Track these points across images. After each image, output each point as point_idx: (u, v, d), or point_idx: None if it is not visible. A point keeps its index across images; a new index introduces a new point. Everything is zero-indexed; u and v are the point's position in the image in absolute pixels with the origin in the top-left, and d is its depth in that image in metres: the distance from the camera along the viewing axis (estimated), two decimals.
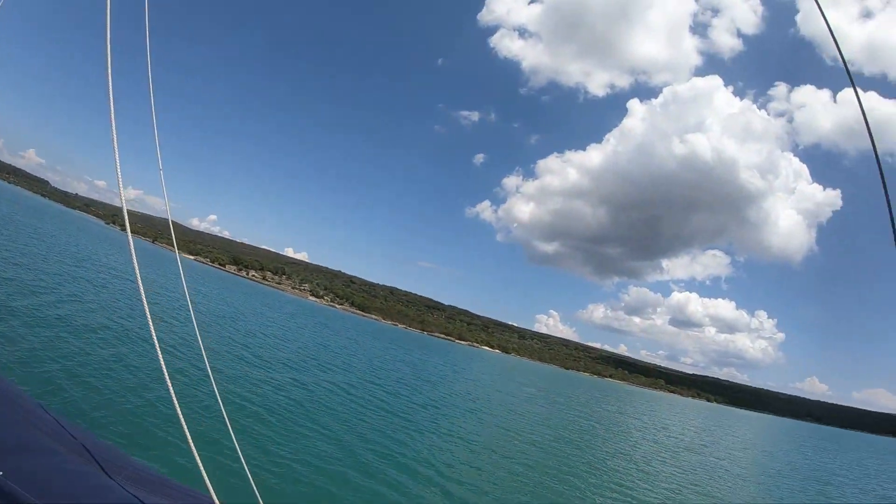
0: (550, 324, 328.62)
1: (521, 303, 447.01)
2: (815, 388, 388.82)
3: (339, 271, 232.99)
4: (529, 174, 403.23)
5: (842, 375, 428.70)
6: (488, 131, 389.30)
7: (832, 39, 2.16)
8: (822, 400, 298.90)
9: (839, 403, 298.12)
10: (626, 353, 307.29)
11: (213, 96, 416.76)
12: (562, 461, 18.46)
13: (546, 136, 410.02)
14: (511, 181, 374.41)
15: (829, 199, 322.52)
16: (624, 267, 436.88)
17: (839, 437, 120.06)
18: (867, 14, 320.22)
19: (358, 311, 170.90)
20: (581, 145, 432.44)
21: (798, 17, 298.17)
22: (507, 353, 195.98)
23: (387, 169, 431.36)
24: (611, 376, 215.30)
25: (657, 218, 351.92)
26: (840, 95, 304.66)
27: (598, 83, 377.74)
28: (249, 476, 3.53)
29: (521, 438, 20.95)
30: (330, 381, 21.32)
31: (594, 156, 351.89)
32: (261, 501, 3.20)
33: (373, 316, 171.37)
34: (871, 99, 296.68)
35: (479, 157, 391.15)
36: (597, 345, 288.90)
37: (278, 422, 12.53)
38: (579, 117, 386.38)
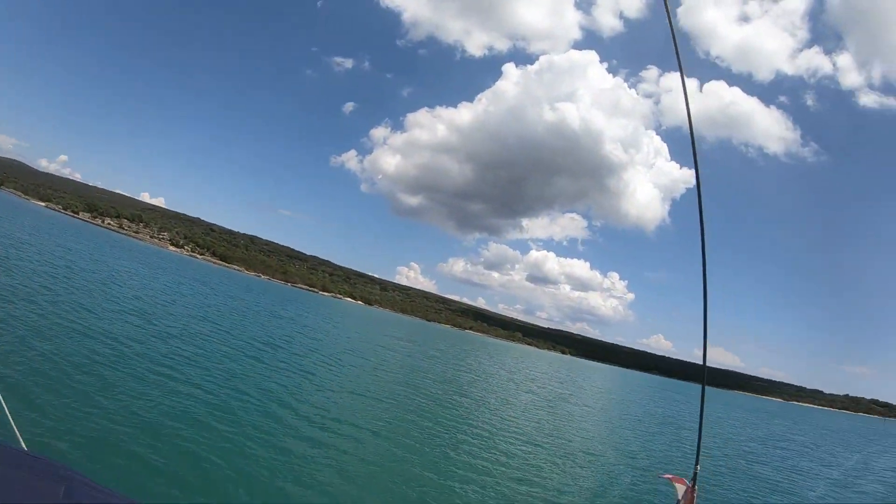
0: (411, 276, 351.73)
1: (383, 254, 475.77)
2: (660, 344, 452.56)
3: (198, 218, 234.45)
4: (398, 127, 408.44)
5: (684, 334, 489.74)
6: (361, 80, 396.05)
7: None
8: (667, 355, 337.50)
9: (682, 359, 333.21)
10: (485, 307, 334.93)
11: (63, 24, 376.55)
12: (464, 413, 21.28)
13: (419, 91, 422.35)
14: (379, 132, 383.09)
15: (684, 176, 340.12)
16: (486, 223, 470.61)
17: (684, 388, 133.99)
18: (744, 19, 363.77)
19: (220, 262, 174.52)
20: (453, 102, 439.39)
21: (680, 10, 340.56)
22: (369, 304, 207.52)
23: (250, 111, 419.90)
24: (471, 328, 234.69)
25: (522, 179, 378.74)
26: (706, 86, 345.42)
27: (476, 43, 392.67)
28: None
29: (421, 394, 23.43)
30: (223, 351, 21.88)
31: (465, 114, 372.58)
32: None
33: (235, 267, 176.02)
34: (736, 94, 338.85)
35: (349, 106, 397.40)
36: (456, 297, 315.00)
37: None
38: (454, 75, 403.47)
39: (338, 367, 26.11)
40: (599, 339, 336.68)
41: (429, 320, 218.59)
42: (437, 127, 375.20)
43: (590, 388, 59.37)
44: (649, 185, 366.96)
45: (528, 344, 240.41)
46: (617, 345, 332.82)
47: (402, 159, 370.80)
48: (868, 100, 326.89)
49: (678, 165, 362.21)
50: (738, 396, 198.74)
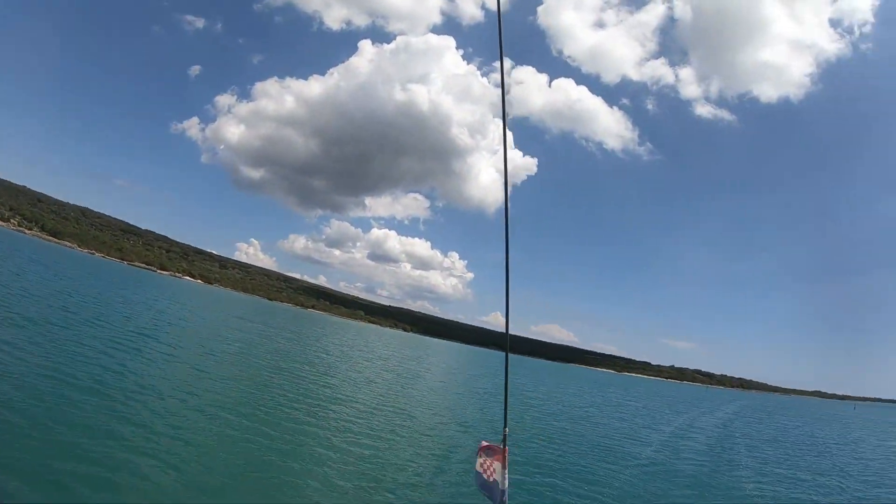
0: (251, 252, 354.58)
1: (222, 230, 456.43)
2: (499, 321, 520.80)
3: (25, 187, 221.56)
4: (245, 95, 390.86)
5: (523, 312, 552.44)
6: (211, 43, 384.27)
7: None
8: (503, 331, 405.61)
9: (520, 335, 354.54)
10: (326, 285, 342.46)
11: None
12: (330, 392, 23.44)
13: (270, 59, 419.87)
14: (225, 100, 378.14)
15: (526, 164, 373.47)
16: (329, 200, 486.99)
17: (523, 363, 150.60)
18: (600, 25, 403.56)
19: (50, 238, 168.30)
20: (304, 74, 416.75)
21: (540, 9, 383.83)
22: (209, 283, 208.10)
23: (84, 66, 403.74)
24: (313, 307, 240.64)
25: (368, 157, 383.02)
26: (556, 82, 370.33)
27: (335, 16, 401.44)
28: None
29: (295, 378, 25.44)
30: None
31: (315, 87, 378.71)
32: None
33: (67, 243, 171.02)
34: (583, 92, 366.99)
35: (196, 70, 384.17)
36: (297, 275, 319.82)
37: None
38: (308, 46, 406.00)
39: (207, 354, 26.70)
40: (440, 316, 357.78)
41: (271, 299, 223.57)
42: (285, 98, 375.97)
43: (438, 364, 63.87)
44: (492, 169, 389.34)
45: (371, 322, 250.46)
46: (457, 322, 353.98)
47: (246, 130, 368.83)
48: (703, 110, 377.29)
49: (521, 153, 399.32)
50: (575, 368, 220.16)
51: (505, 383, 3.43)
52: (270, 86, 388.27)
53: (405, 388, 32.89)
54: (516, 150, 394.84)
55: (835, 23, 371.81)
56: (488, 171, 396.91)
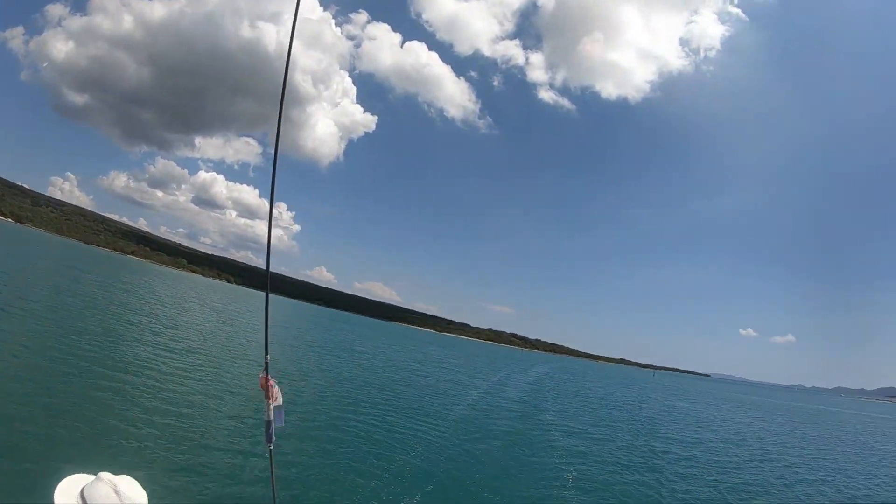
0: (66, 189, 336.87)
1: (36, 159, 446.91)
2: (323, 276, 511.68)
3: None
4: (80, 8, 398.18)
5: (346, 268, 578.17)
6: None
7: None
8: (330, 287, 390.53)
9: (344, 291, 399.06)
10: (146, 228, 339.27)
11: None
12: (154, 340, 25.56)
13: None
14: (56, 10, 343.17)
15: (365, 121, 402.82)
16: (156, 136, 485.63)
17: (348, 319, 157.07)
18: None
19: None
20: None
21: None
22: (20, 222, 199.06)
23: None
24: (133, 253, 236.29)
25: (203, 92, 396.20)
26: (408, 45, 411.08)
27: None
28: None
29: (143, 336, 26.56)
30: None
31: (158, 8, 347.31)
32: None
33: None
34: (433, 58, 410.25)
35: None
36: (115, 216, 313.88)
37: None
38: None
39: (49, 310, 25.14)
40: (262, 267, 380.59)
41: (87, 243, 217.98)
42: (123, 17, 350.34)
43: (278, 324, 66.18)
44: (330, 122, 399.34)
45: (194, 272, 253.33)
46: (281, 275, 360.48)
47: (75, 47, 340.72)
48: (546, 95, 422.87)
49: (362, 109, 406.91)
50: (398, 327, 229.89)
51: (266, 316, 3.68)
52: (109, 0, 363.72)
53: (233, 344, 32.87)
54: (357, 105, 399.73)
55: (684, 42, 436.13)
56: (326, 122, 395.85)
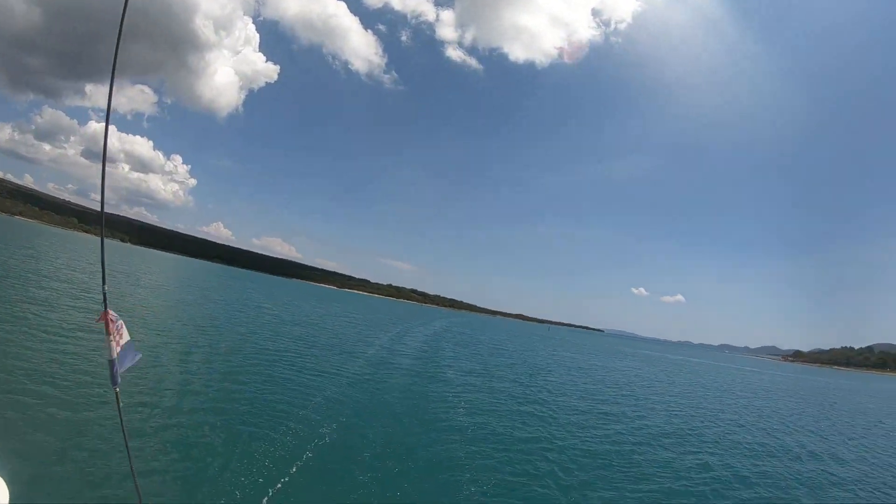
0: None
1: None
2: (220, 232, 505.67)
3: None
4: None
5: (244, 223, 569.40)
6: None
7: None
8: (227, 244, 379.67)
9: (242, 248, 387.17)
10: (33, 186, 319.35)
11: None
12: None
13: None
14: None
15: (267, 71, 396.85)
16: (44, 83, 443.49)
17: (249, 277, 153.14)
18: None
19: None
20: None
21: None
22: None
23: None
24: (21, 214, 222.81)
25: (97, 36, 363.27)
26: None
27: None
28: None
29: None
30: None
31: None
32: None
33: None
34: (341, 8, 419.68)
35: None
36: None
37: None
38: None
39: None
40: (159, 225, 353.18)
41: None
42: None
43: (168, 280, 63.25)
44: (231, 70, 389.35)
45: (86, 231, 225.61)
46: (177, 232, 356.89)
47: None
48: (454, 54, 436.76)
49: (264, 58, 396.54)
50: (298, 284, 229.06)
51: (102, 261, 3.40)
52: None
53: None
54: (260, 54, 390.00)
55: (596, 13, 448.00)
56: (226, 71, 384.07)
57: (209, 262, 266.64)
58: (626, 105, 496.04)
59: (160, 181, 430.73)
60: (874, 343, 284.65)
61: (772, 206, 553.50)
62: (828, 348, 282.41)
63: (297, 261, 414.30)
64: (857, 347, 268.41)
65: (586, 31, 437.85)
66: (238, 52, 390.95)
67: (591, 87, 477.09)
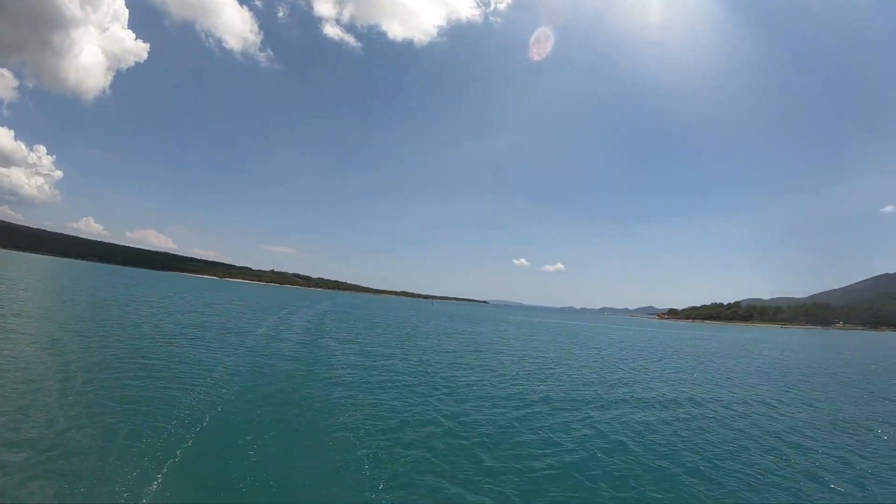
0: None
1: None
2: (91, 227, 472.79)
3: None
4: None
5: (116, 216, 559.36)
6: None
7: None
8: (99, 240, 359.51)
9: (117, 243, 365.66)
10: None
11: None
12: None
13: None
14: None
15: (137, 49, 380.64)
16: None
17: (125, 273, 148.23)
18: None
19: None
20: None
21: None
22: None
23: None
24: None
25: None
26: None
27: None
28: None
29: None
30: None
31: None
32: None
33: None
34: None
35: None
36: None
37: None
38: None
39: None
40: (24, 224, 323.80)
41: None
42: None
43: (41, 284, 58.83)
44: (97, 49, 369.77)
45: None
46: (46, 230, 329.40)
47: None
48: (332, 31, 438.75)
49: (133, 35, 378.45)
50: (178, 277, 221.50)
51: None
52: None
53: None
54: (129, 31, 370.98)
55: None
56: (92, 50, 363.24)
57: (83, 261, 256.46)
58: (504, 84, 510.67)
59: (23, 175, 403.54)
60: (744, 298, 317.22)
61: (644, 181, 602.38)
62: (700, 305, 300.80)
63: (174, 253, 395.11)
64: (725, 303, 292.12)
65: (466, 11, 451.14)
66: (105, 30, 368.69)
67: (469, 65, 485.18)
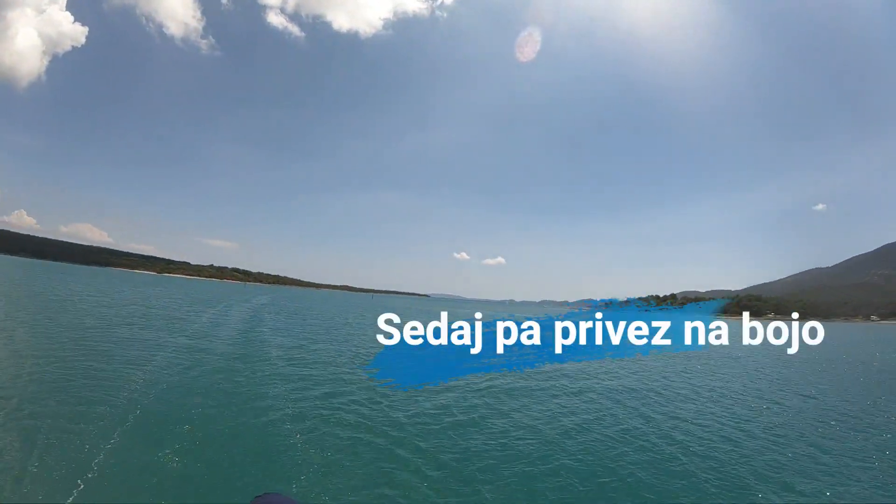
0: None
1: None
2: (23, 221, 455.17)
3: None
4: None
5: (49, 209, 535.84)
6: None
7: None
8: (32, 234, 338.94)
9: (50, 237, 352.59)
10: None
11: None
12: None
13: None
14: None
15: (74, 33, 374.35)
16: None
17: (59, 269, 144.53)
18: None
19: None
20: None
21: None
22: None
23: None
24: None
25: None
26: None
27: None
28: None
29: None
30: None
31: None
32: None
33: None
34: None
35: None
36: None
37: None
38: None
39: None
40: None
41: None
42: None
43: None
44: (33, 31, 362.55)
45: None
46: None
47: None
48: (276, 20, 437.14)
49: (72, 18, 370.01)
50: (114, 272, 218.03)
51: None
52: None
53: None
54: (67, 13, 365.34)
55: None
56: (28, 33, 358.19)
57: (12, 257, 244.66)
58: (448, 78, 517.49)
59: None
60: (682, 290, 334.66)
61: (583, 176, 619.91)
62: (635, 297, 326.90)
63: (110, 247, 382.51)
64: (661, 295, 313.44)
65: (413, 4, 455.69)
66: (42, 12, 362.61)
67: (413, 59, 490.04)
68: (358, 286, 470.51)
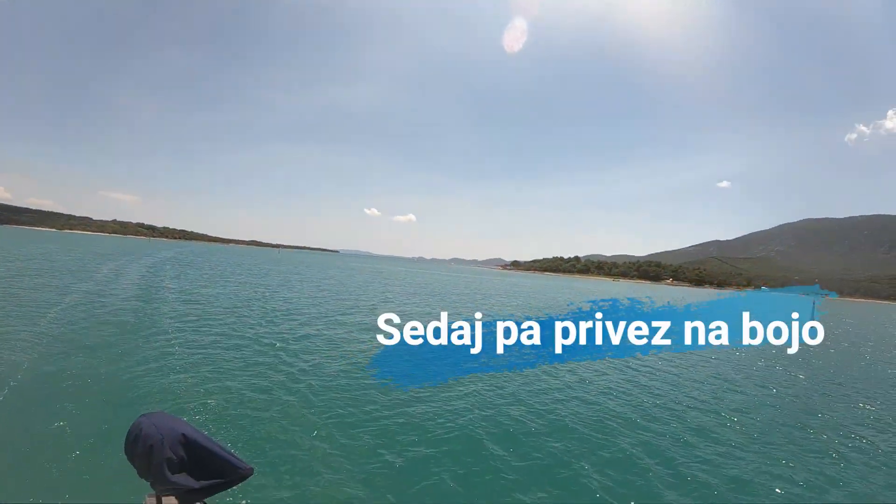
0: None
1: None
2: None
3: None
4: None
5: None
6: None
7: None
8: None
9: None
10: None
11: None
12: None
13: None
14: None
15: None
16: None
17: None
18: None
19: None
20: None
21: None
22: None
23: None
24: None
25: None
26: None
27: None
28: None
29: None
30: None
31: None
32: None
33: None
34: None
35: None
36: None
37: None
38: None
39: None
40: None
41: None
42: None
43: None
44: None
45: None
46: None
47: None
48: None
49: None
50: (11, 230, 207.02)
51: None
52: None
53: None
54: None
55: None
56: None
57: None
58: (371, 36, 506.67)
59: None
60: (587, 254, 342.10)
61: (497, 141, 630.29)
62: (542, 258, 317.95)
63: (8, 203, 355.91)
64: (566, 257, 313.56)
65: None
66: None
67: (337, 12, 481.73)
68: (267, 241, 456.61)
